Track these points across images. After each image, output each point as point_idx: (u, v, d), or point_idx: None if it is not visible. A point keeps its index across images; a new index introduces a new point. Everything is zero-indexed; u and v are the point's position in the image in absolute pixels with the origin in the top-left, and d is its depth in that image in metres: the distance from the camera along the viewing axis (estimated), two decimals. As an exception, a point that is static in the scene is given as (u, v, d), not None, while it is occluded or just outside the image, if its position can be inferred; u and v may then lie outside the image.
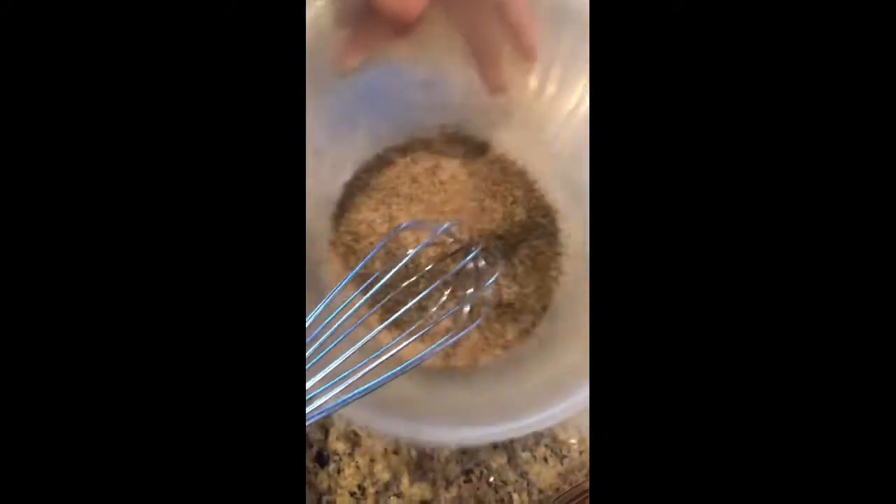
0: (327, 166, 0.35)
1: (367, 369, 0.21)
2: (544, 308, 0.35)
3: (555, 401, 0.25)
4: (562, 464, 0.40)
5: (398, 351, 0.23)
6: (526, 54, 0.31)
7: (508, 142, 0.37)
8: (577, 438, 0.38)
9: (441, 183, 0.36)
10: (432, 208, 0.36)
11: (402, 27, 0.27)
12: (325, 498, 0.37)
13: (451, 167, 0.37)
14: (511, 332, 0.35)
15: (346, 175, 0.36)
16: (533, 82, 0.33)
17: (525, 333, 0.34)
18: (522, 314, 0.34)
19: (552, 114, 0.34)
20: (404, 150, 0.36)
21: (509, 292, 0.35)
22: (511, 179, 0.37)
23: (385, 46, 0.31)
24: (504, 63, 0.32)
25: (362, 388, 0.21)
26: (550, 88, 0.33)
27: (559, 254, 0.36)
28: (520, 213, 0.36)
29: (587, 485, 0.38)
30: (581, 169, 0.33)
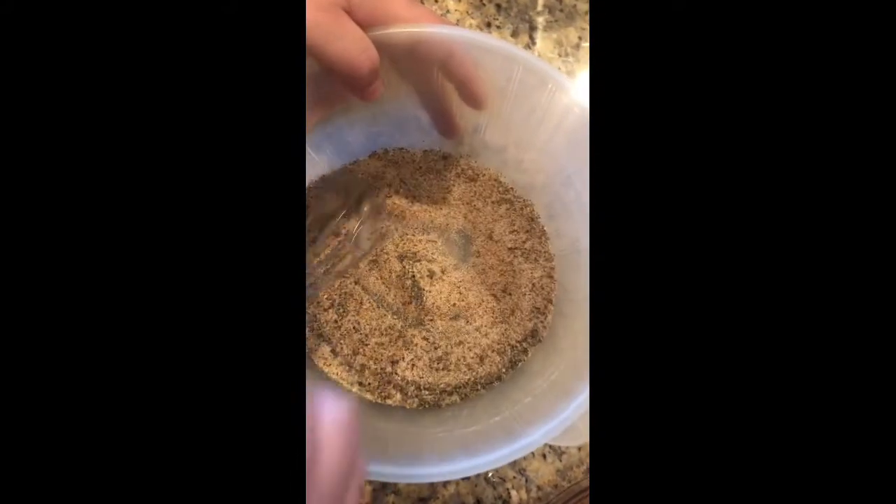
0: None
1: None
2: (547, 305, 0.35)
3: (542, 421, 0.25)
4: (560, 460, 0.39)
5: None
6: (474, 105, 0.32)
7: (481, 160, 0.37)
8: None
9: (415, 199, 0.37)
10: (415, 222, 0.36)
11: (358, 87, 0.27)
12: (322, 496, 0.37)
13: (427, 184, 0.37)
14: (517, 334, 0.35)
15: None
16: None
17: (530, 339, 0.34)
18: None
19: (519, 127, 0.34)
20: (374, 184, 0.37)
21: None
22: (488, 186, 0.37)
23: (343, 103, 0.32)
24: (455, 113, 0.33)
25: None
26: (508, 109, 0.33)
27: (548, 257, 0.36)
28: (504, 216, 0.36)
29: (585, 483, 0.38)
30: (555, 178, 0.34)
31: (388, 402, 0.32)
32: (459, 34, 0.28)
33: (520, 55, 0.29)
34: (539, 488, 0.39)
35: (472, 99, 0.31)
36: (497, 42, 0.29)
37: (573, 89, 0.29)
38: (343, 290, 0.34)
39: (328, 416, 0.19)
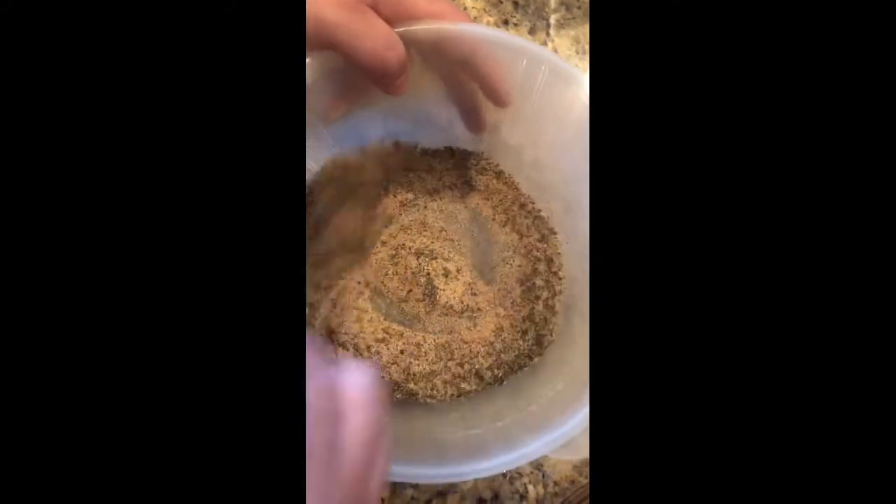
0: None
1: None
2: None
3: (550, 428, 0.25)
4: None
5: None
6: (498, 103, 0.32)
7: (500, 159, 0.38)
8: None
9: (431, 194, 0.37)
10: (434, 220, 0.37)
11: (385, 82, 0.28)
12: (342, 489, 0.37)
13: (446, 181, 0.37)
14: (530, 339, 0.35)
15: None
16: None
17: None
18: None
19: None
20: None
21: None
22: (506, 186, 0.37)
23: (366, 97, 0.32)
24: (482, 108, 0.33)
25: None
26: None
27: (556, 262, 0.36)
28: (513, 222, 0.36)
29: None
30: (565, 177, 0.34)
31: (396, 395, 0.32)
32: (483, 32, 0.29)
33: (540, 52, 0.29)
34: (556, 483, 0.39)
35: (496, 97, 0.31)
36: (518, 40, 0.29)
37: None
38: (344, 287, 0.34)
39: (353, 384, 0.19)
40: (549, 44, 0.48)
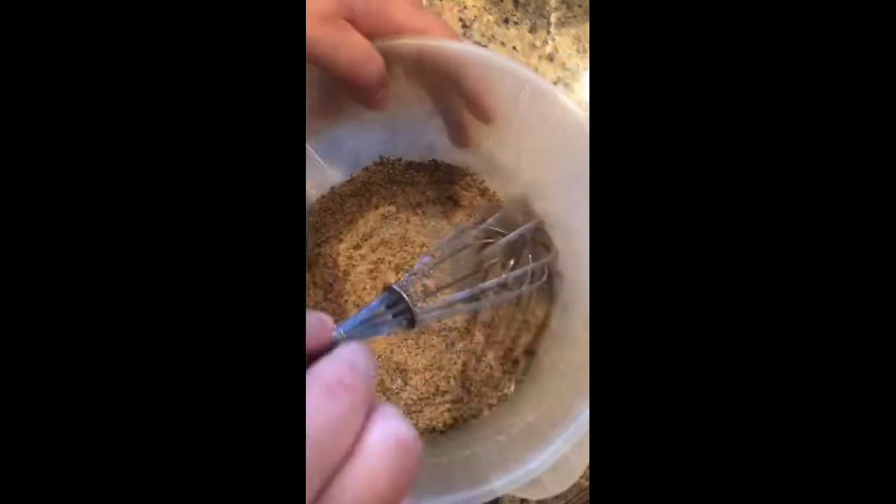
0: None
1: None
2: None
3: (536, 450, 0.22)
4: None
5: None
6: (483, 119, 0.31)
7: (487, 176, 0.37)
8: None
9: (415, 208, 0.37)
10: (417, 235, 0.36)
11: (364, 96, 0.28)
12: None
13: (432, 196, 0.37)
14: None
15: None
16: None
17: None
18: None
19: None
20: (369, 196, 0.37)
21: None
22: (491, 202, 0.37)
23: (350, 108, 0.31)
24: (467, 124, 0.33)
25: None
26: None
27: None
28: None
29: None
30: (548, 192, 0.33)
31: None
32: (463, 49, 0.28)
33: (521, 70, 0.29)
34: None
35: (481, 113, 0.31)
36: (501, 58, 0.29)
37: (582, 111, 0.28)
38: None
39: (381, 430, 0.15)
40: (550, 42, 0.47)
